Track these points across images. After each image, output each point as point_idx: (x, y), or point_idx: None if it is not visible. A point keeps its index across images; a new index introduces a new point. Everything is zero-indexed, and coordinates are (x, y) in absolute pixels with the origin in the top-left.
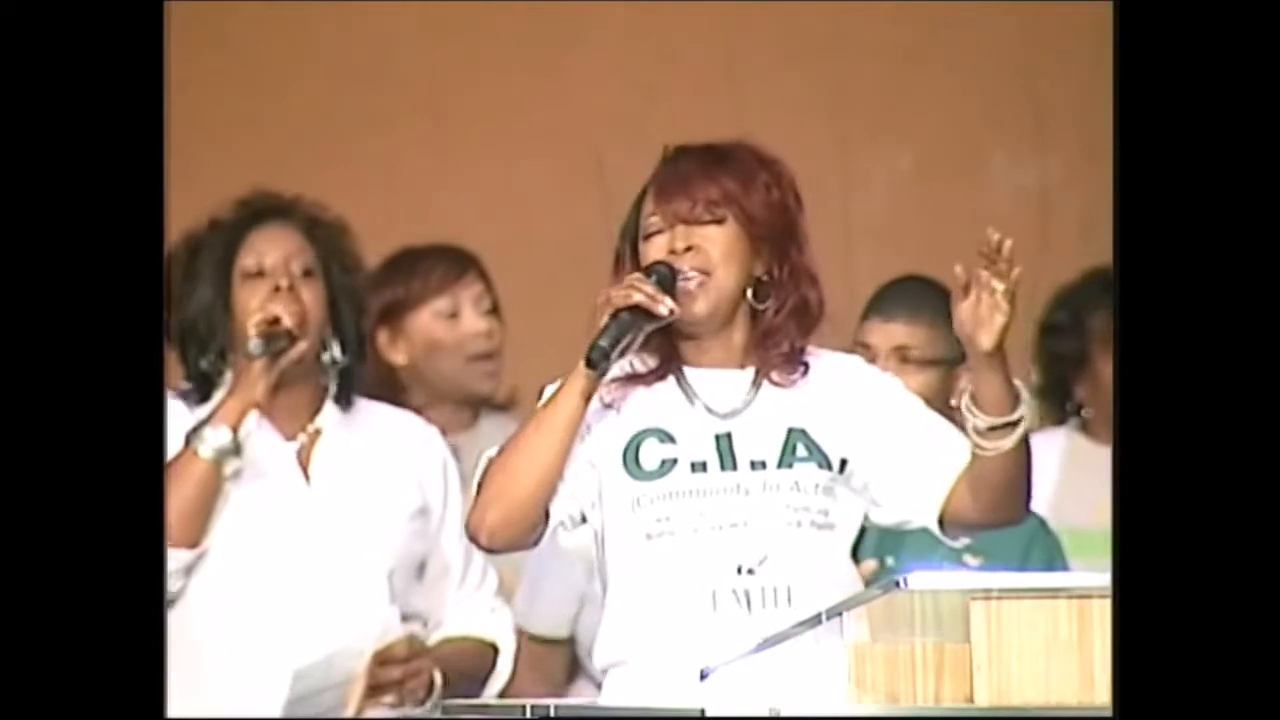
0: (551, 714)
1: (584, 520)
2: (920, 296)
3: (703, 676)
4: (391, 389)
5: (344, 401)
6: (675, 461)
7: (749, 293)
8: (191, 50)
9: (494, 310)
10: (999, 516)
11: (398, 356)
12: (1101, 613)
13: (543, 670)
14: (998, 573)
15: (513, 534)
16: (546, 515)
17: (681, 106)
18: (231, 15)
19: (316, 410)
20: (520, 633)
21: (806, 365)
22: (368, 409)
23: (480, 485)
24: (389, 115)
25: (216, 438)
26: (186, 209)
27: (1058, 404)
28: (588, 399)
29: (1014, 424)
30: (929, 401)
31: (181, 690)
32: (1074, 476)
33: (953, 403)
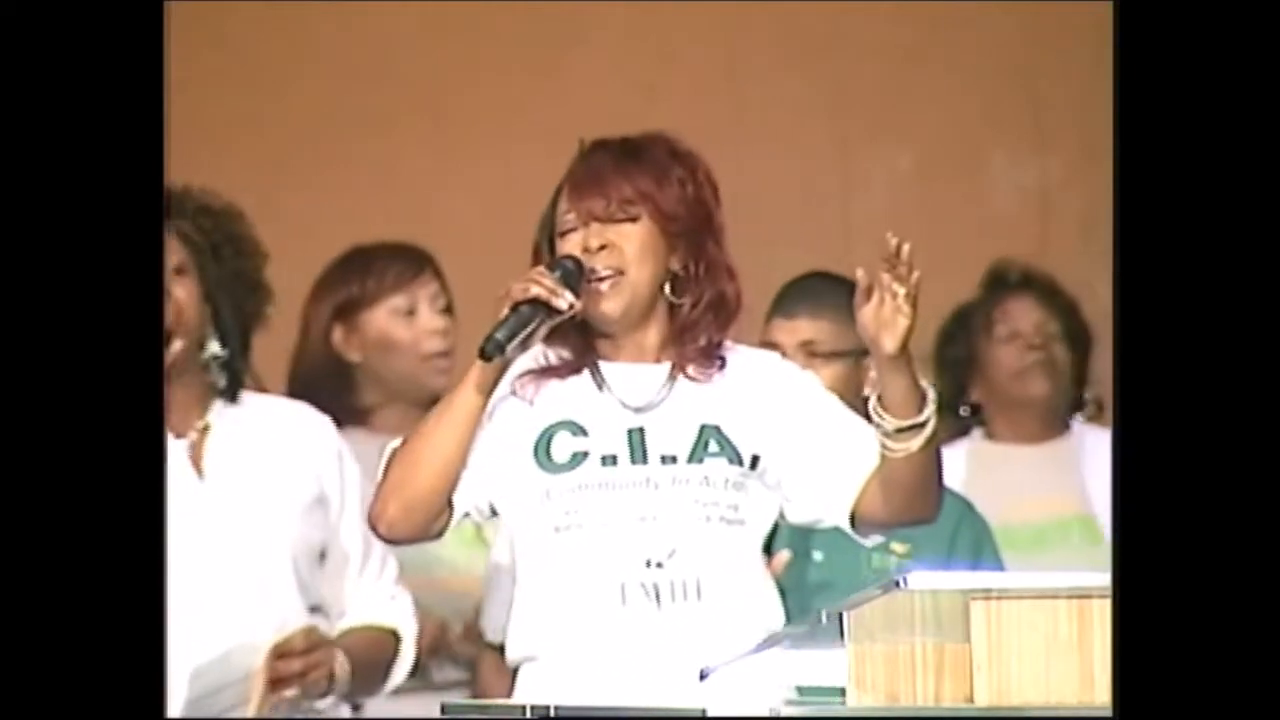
0: (551, 714)
1: (494, 513)
2: (821, 291)
3: (702, 676)
4: (345, 387)
5: (229, 396)
6: (586, 454)
7: (666, 288)
8: (191, 50)
9: (448, 309)
10: (909, 516)
11: (353, 354)
12: (1101, 613)
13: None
14: (997, 573)
15: (413, 524)
16: (451, 507)
17: (681, 106)
18: (231, 15)
19: (207, 406)
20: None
21: (723, 360)
22: (259, 402)
23: (382, 476)
24: (389, 115)
25: None
26: None
27: (955, 413)
28: (486, 392)
29: (921, 425)
30: (839, 394)
31: None
32: (982, 478)
33: (866, 392)
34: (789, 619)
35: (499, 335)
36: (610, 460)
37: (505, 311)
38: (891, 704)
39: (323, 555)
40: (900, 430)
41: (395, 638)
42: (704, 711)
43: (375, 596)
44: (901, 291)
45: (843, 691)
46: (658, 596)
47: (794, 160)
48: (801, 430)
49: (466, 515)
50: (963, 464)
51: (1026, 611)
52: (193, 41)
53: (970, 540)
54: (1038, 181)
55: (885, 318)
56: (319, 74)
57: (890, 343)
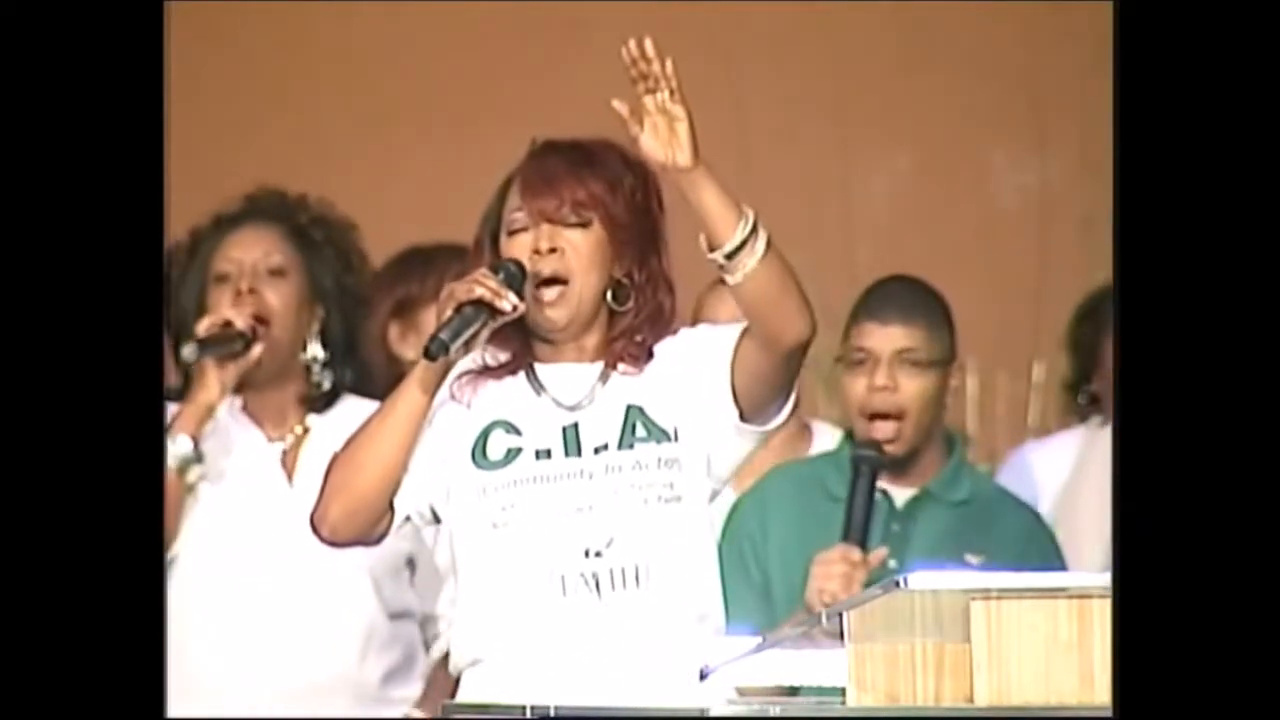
0: (552, 714)
1: (436, 518)
2: (909, 297)
3: (702, 676)
4: (399, 384)
5: (321, 402)
6: (520, 450)
7: (608, 295)
8: (191, 50)
9: None
10: (782, 339)
11: (408, 352)
12: (1101, 613)
13: None
14: (998, 573)
15: (355, 527)
16: (392, 510)
17: None
18: (231, 15)
19: (306, 410)
20: None
21: (652, 353)
22: (355, 406)
23: (324, 479)
24: (389, 115)
25: (177, 447)
26: (186, 209)
27: (1074, 396)
28: (430, 392)
29: (748, 238)
30: (931, 403)
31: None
32: (1089, 465)
33: (949, 401)
34: None
35: (443, 335)
36: (544, 454)
37: (449, 312)
38: (891, 704)
39: (411, 563)
40: (730, 255)
41: None
42: (704, 711)
43: None
44: (664, 96)
45: (792, 691)
46: (598, 586)
47: (794, 160)
48: (692, 365)
49: (407, 519)
50: (1074, 449)
51: (1026, 611)
52: (193, 41)
53: (1039, 551)
54: (1038, 181)
55: (664, 134)
56: (319, 74)
57: (683, 155)
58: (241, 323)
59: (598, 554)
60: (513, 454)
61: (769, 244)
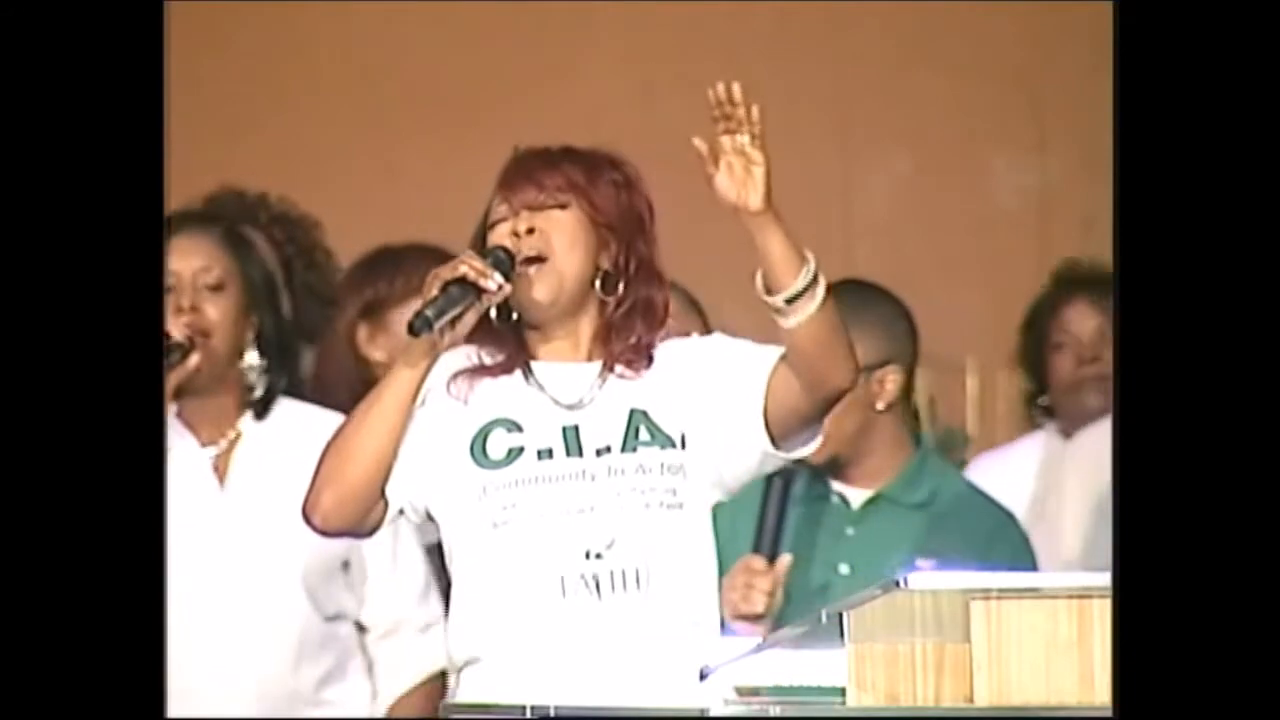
0: (552, 714)
1: (429, 517)
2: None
3: (702, 676)
4: (367, 385)
5: (261, 406)
6: (521, 450)
7: (597, 284)
8: (191, 50)
9: None
10: (824, 389)
11: (376, 353)
12: (1101, 613)
13: None
14: (998, 573)
15: (347, 516)
16: (385, 501)
17: (681, 106)
18: (231, 15)
19: (240, 415)
20: None
21: (652, 357)
22: (291, 410)
23: (315, 468)
24: (389, 115)
25: None
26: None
27: (1029, 407)
28: (416, 369)
29: (808, 288)
30: (854, 407)
31: None
32: (1049, 472)
33: (878, 407)
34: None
35: (428, 312)
36: (546, 454)
37: (434, 292)
38: (891, 704)
39: (346, 564)
40: (790, 300)
41: (443, 678)
42: (704, 711)
43: (411, 618)
44: (745, 141)
45: (753, 691)
46: (598, 588)
47: (794, 160)
48: (710, 376)
49: (401, 512)
50: (1033, 458)
51: (1026, 611)
52: (193, 41)
53: (1009, 552)
54: (1038, 181)
55: (739, 175)
56: (319, 74)
57: (755, 197)
58: (178, 334)
59: (598, 556)
60: (514, 453)
61: (828, 292)
